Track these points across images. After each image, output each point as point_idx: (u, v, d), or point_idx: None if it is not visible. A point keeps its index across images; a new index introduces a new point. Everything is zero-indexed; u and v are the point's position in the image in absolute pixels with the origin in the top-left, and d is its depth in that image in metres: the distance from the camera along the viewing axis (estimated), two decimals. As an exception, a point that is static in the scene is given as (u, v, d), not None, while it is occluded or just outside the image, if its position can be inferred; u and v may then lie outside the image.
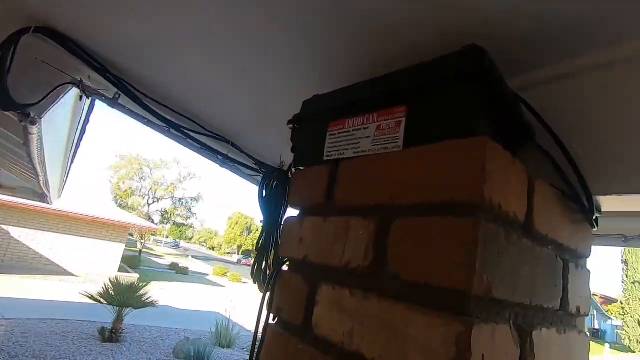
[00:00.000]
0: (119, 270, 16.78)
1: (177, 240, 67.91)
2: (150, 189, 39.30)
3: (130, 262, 21.37)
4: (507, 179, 0.52)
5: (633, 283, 27.56)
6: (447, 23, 0.70)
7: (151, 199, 39.70)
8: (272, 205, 0.88)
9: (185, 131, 1.53)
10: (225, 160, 1.69)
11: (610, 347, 18.61)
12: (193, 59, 1.11)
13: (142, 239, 29.60)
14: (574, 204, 0.66)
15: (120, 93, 1.36)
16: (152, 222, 35.79)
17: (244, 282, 28.64)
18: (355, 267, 0.60)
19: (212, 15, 0.86)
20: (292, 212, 0.92)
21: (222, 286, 24.26)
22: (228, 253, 69.01)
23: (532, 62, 0.75)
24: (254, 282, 0.86)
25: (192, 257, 44.66)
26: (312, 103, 0.87)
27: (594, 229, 0.72)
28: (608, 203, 0.71)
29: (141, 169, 38.42)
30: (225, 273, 30.31)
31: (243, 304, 16.15)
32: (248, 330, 11.24)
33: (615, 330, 30.15)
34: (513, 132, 0.67)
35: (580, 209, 0.66)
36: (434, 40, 0.74)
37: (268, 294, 0.78)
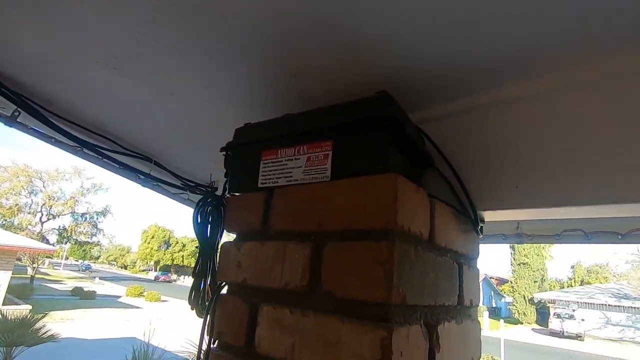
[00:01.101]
0: (4, 303, 14.14)
1: (88, 263, 57.46)
2: (44, 204, 34.06)
3: (19, 291, 18.19)
4: (414, 206, 0.64)
5: (519, 264, 32.64)
6: (362, 70, 0.82)
7: (45, 216, 34.42)
8: (207, 230, 0.90)
9: (101, 150, 1.43)
10: (147, 180, 1.62)
11: (505, 322, 21.81)
12: (112, 79, 1.07)
13: (33, 263, 25.39)
14: (465, 218, 0.82)
15: (20, 110, 1.23)
16: (47, 242, 31.02)
17: (164, 301, 26.50)
18: (294, 287, 0.67)
19: (137, 37, 0.84)
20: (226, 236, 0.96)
21: (138, 307, 22.09)
22: (144, 270, 63.06)
23: (433, 100, 0.91)
24: (192, 308, 0.87)
25: (100, 278, 39.70)
26: (245, 132, 0.91)
27: (479, 236, 0.90)
28: (491, 214, 0.89)
29: (30, 181, 33.04)
30: (142, 293, 27.65)
31: (164, 324, 14.94)
32: (171, 352, 10.43)
33: (508, 307, 35.22)
34: (416, 160, 0.81)
35: (469, 221, 0.82)
36: (354, 81, 0.86)
37: (208, 318, 0.80)
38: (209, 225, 0.91)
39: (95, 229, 39.41)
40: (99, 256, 70.61)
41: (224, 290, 0.85)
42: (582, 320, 24.17)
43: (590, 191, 0.70)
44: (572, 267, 44.26)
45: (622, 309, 24.84)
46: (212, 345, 0.78)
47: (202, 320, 0.86)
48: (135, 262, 65.64)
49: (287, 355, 0.63)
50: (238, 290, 0.80)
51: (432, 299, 0.66)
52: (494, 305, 38.13)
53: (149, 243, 58.42)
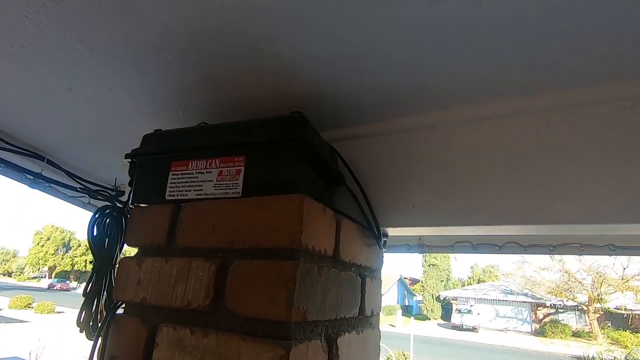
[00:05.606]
0: None
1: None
2: None
3: None
4: (319, 225, 0.67)
5: (429, 265, 35.91)
6: (278, 86, 0.83)
7: None
8: (105, 243, 0.83)
9: (-25, 144, 1.22)
10: (37, 180, 1.41)
11: (415, 318, 23.80)
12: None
13: None
14: (369, 233, 0.89)
15: None
16: None
17: (59, 312, 23.19)
18: (196, 306, 0.65)
19: (24, 23, 0.74)
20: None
21: (24, 321, 18.97)
22: (34, 277, 54.46)
23: (345, 121, 0.96)
24: (81, 331, 0.78)
25: (-26, 288, 33.09)
26: (154, 139, 0.86)
27: (382, 250, 0.98)
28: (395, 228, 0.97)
29: None
30: (30, 304, 23.82)
31: (57, 340, 13.07)
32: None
33: (419, 304, 38.44)
34: (328, 178, 0.85)
35: (373, 236, 0.89)
36: (271, 95, 0.87)
37: (100, 342, 0.73)
38: (107, 239, 0.83)
39: (-30, 230, 32.90)
40: (-27, 262, 59.10)
41: (120, 311, 0.78)
42: (478, 314, 27.52)
43: (466, 214, 0.81)
44: (471, 267, 50.14)
45: (508, 303, 28.93)
46: (102, 372, 0.71)
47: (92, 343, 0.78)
48: (23, 268, 56.43)
49: (185, 378, 0.61)
50: (136, 310, 0.74)
51: (334, 313, 0.70)
52: (406, 303, 41.16)
53: (42, 246, 50.73)
